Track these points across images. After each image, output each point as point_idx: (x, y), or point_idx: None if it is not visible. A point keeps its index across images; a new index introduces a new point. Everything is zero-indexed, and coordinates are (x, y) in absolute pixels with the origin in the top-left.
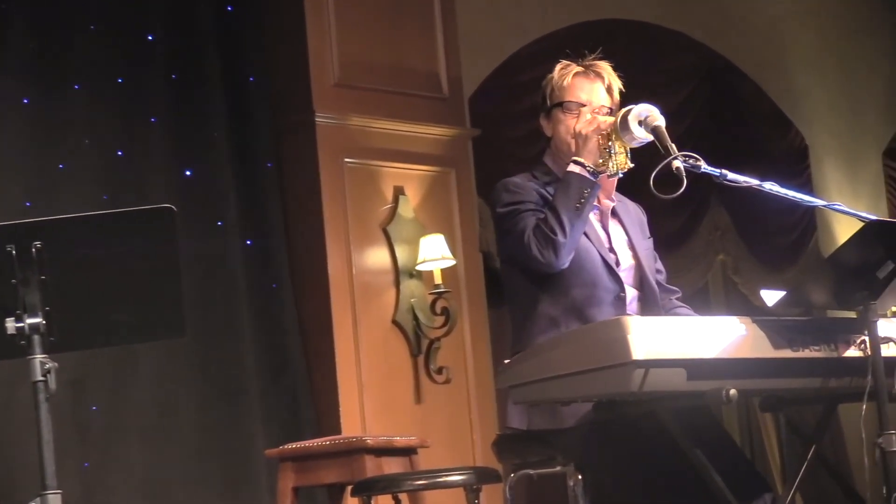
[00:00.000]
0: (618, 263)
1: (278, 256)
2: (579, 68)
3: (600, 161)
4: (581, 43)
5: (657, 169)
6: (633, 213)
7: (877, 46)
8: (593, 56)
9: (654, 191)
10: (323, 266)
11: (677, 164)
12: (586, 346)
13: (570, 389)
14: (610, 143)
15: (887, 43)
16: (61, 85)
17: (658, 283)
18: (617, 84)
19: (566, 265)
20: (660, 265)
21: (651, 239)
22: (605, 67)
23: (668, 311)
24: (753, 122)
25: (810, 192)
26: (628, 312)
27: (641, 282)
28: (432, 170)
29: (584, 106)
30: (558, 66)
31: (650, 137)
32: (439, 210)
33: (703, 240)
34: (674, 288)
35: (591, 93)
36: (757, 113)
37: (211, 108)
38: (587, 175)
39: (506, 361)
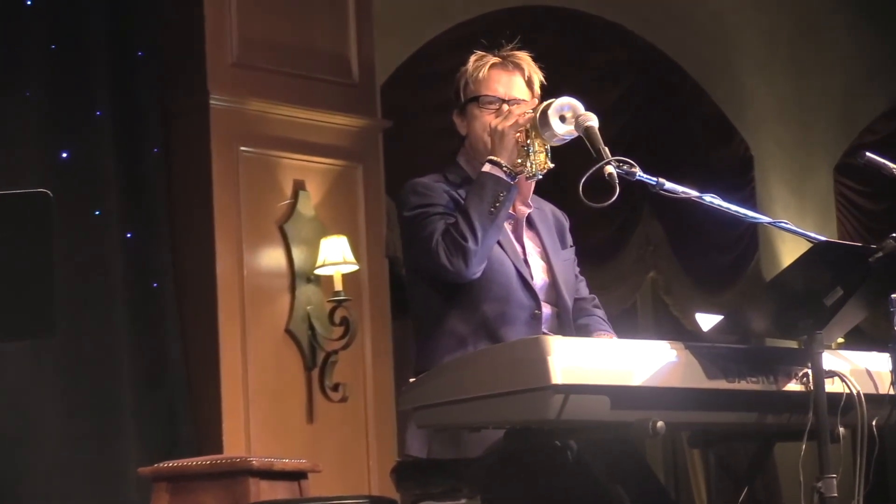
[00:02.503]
0: (532, 278)
1: (161, 253)
2: (496, 59)
3: (518, 161)
4: (506, 30)
5: (588, 174)
6: (552, 219)
7: (832, 49)
8: (511, 45)
9: (584, 198)
10: (210, 265)
11: (610, 169)
12: (501, 366)
13: (480, 414)
14: (528, 141)
15: (843, 46)
16: None
17: (578, 288)
18: (538, 76)
19: (477, 275)
20: (578, 271)
21: (573, 248)
22: (524, 58)
23: (582, 315)
24: (694, 127)
25: (754, 206)
26: (544, 331)
27: (557, 299)
28: (337, 163)
29: (503, 100)
30: (473, 58)
31: (572, 135)
32: (343, 209)
33: (633, 255)
34: (591, 295)
35: (510, 86)
36: (698, 117)
37: (93, 84)
38: (503, 176)
39: (410, 380)
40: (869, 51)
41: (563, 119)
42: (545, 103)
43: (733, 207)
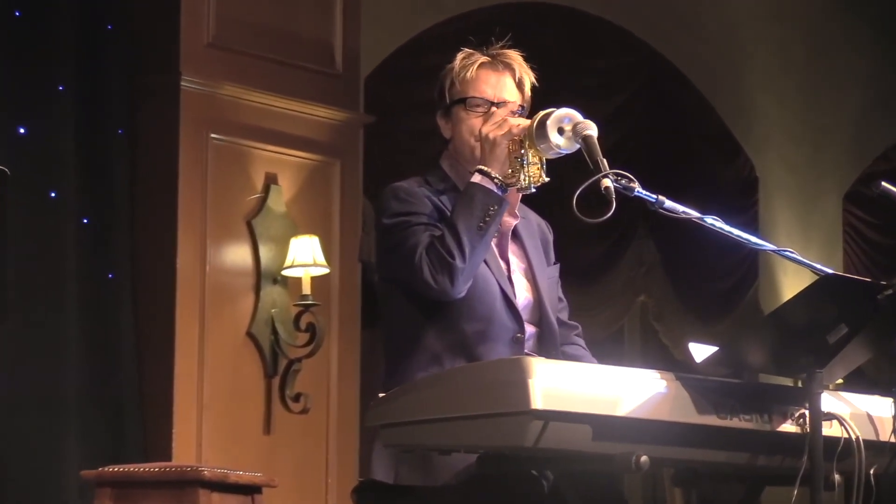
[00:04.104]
0: (516, 296)
1: (119, 241)
2: (485, 58)
3: (509, 171)
4: (504, 27)
5: (583, 186)
6: (537, 232)
7: (848, 71)
8: (501, 43)
9: (577, 212)
10: (171, 259)
11: (607, 183)
12: (478, 387)
13: (452, 436)
14: (522, 152)
15: (860, 68)
16: None
17: (557, 317)
18: (529, 78)
19: (462, 294)
20: (561, 294)
21: (557, 265)
22: (515, 57)
23: (566, 343)
24: (697, 143)
25: (756, 231)
26: (526, 353)
27: (541, 318)
28: (314, 158)
29: (491, 102)
30: (460, 56)
31: (571, 148)
32: (317, 207)
33: (624, 276)
34: (573, 323)
35: (499, 87)
36: (702, 132)
37: (57, 56)
38: (493, 188)
39: (380, 395)
40: (886, 76)
41: (561, 131)
42: (543, 113)
43: (736, 231)
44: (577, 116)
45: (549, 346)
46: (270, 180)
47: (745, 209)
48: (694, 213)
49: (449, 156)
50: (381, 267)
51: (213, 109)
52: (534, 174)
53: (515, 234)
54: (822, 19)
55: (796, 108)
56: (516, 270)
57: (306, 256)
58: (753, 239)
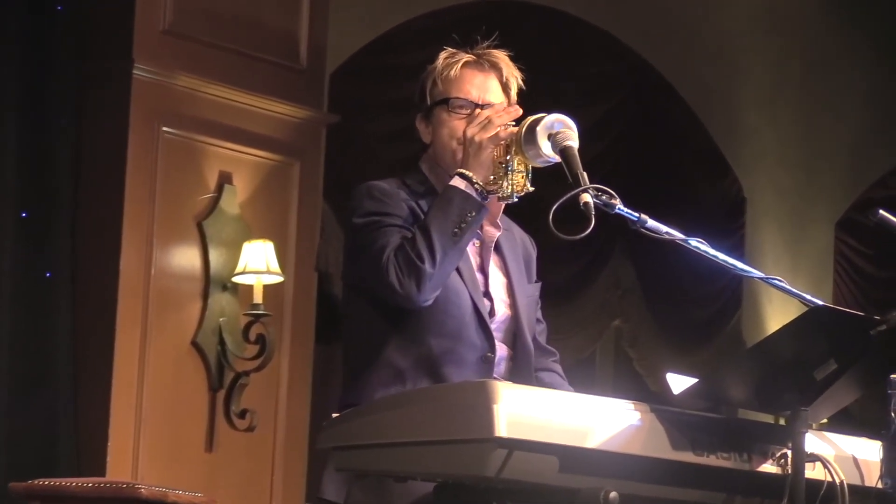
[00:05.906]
0: (492, 313)
1: (59, 238)
2: (469, 57)
3: (491, 178)
4: (481, 25)
5: (560, 201)
6: (521, 246)
7: (846, 91)
8: (487, 42)
9: (553, 228)
10: (114, 259)
11: (587, 198)
12: (438, 410)
13: (408, 462)
14: (508, 158)
15: (859, 89)
16: None
17: (535, 339)
18: (516, 80)
19: (429, 302)
20: (541, 315)
21: (538, 284)
22: (501, 57)
23: (538, 371)
24: (682, 159)
25: (741, 256)
26: (495, 376)
27: (515, 338)
28: (272, 158)
29: (476, 104)
30: (443, 55)
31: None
32: (273, 210)
33: (598, 298)
34: (551, 349)
35: (484, 88)
36: (688, 148)
37: (1, 37)
38: (474, 194)
39: (334, 415)
40: (886, 96)
41: (551, 138)
42: (533, 118)
43: (721, 256)
44: (569, 122)
45: (522, 369)
46: (224, 179)
47: (730, 232)
48: (677, 234)
49: (429, 159)
50: (347, 269)
51: (166, 101)
52: (518, 182)
53: (497, 247)
54: (821, 34)
55: (789, 127)
56: (496, 285)
57: (259, 263)
58: (740, 265)
